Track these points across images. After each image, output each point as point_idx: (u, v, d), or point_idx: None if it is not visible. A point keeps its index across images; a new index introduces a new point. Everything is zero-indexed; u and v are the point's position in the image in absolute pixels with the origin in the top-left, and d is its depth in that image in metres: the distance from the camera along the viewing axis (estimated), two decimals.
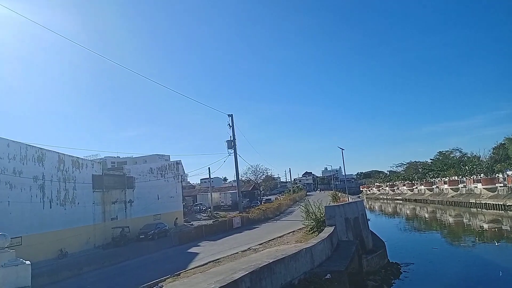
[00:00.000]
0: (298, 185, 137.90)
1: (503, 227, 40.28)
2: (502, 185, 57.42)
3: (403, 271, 22.49)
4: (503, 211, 51.34)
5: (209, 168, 58.92)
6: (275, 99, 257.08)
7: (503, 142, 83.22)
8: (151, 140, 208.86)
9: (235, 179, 48.82)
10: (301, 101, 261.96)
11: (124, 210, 37.94)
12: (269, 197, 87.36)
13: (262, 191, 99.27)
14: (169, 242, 30.33)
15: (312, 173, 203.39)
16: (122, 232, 33.56)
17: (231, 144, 41.45)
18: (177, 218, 43.97)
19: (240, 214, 40.44)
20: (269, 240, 22.98)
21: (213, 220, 42.04)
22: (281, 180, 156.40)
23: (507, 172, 60.74)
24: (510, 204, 51.59)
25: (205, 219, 49.51)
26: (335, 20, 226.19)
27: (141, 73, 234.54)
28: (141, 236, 34.17)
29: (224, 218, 39.70)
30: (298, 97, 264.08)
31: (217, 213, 54.35)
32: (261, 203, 63.04)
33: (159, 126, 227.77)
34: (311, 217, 20.81)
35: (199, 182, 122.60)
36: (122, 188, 37.87)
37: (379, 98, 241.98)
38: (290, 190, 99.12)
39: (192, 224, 44.80)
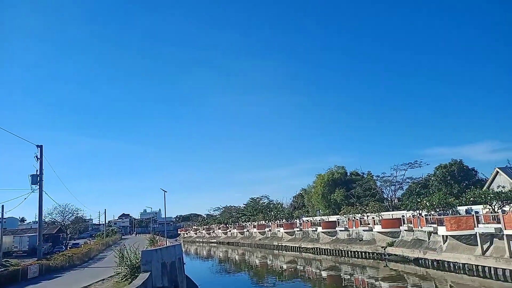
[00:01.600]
0: (113, 228, 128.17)
1: (298, 267, 46.29)
2: (298, 229, 66.56)
3: None
4: (298, 253, 59.18)
5: (2, 206, 49.10)
6: (92, 132, 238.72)
7: (301, 192, 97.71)
8: None
9: (37, 219, 42.12)
10: (120, 136, 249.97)
11: None
12: (77, 241, 78.31)
13: (69, 235, 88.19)
14: None
15: (130, 215, 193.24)
16: None
17: (36, 179, 36.05)
18: None
19: (39, 261, 34.69)
20: None
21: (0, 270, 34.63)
22: (94, 222, 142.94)
23: (303, 218, 71.17)
24: (304, 246, 60.00)
25: None
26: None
27: None
28: None
29: (16, 267, 33.24)
30: (117, 132, 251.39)
31: (7, 261, 45.11)
32: (66, 248, 55.78)
33: None
34: (125, 263, 19.55)
35: None
36: None
37: (204, 144, 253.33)
38: (103, 233, 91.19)
39: None
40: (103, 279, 22.97)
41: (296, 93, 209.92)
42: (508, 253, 27.44)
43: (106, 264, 35.08)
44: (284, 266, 47.89)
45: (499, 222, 28.43)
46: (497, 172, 44.90)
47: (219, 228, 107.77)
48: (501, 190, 33.70)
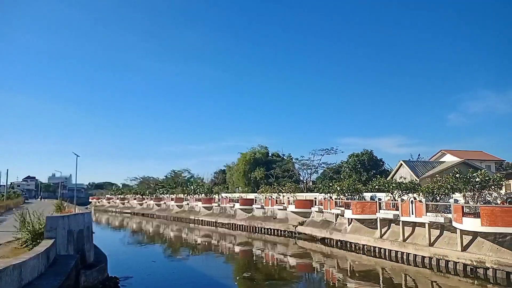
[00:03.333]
0: (16, 190, 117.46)
1: (212, 241, 47.01)
2: (217, 205, 67.32)
3: (122, 285, 22.59)
4: (214, 228, 60.02)
5: None
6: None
7: (223, 169, 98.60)
8: None
9: None
10: (31, 91, 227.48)
11: None
12: None
13: None
14: None
15: (36, 178, 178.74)
16: None
17: None
18: None
19: None
20: None
21: None
22: None
23: (222, 194, 72.00)
24: (220, 221, 60.98)
25: None
26: None
27: None
28: None
29: None
30: (28, 87, 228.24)
31: None
32: None
33: None
34: (27, 228, 18.05)
35: None
36: None
37: (126, 111, 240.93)
38: (3, 195, 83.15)
39: None
40: (0, 244, 21.03)
41: (228, 69, 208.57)
42: (401, 237, 30.72)
43: (4, 228, 32.10)
44: (199, 240, 48.29)
45: (397, 209, 31.59)
46: (401, 164, 49.58)
47: (135, 199, 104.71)
48: (402, 181, 37.33)
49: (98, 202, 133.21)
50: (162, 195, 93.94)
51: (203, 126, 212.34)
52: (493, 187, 27.88)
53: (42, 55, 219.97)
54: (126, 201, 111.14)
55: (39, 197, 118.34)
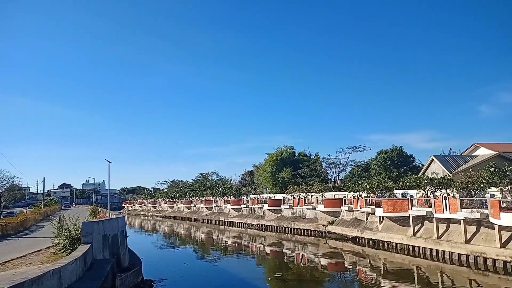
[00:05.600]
0: (52, 197, 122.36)
1: (242, 242, 47.27)
2: (245, 206, 67.65)
3: None
4: (244, 229, 60.35)
5: None
6: (30, 93, 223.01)
7: (251, 170, 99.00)
8: None
9: None
10: (61, 100, 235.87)
11: None
12: (12, 210, 73.86)
13: (3, 203, 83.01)
14: None
15: (71, 185, 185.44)
16: None
17: None
18: None
19: None
20: (5, 262, 19.26)
21: None
22: (31, 191, 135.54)
23: (250, 195, 72.38)
24: (249, 222, 61.24)
25: None
26: None
27: None
28: None
29: None
30: (59, 96, 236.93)
31: None
32: (0, 217, 52.55)
33: None
34: (64, 234, 18.79)
35: None
36: None
37: (153, 116, 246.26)
38: (41, 203, 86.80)
39: None
40: (40, 250, 21.96)
41: (248, 71, 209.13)
42: (436, 235, 29.86)
43: (43, 234, 33.53)
44: (229, 241, 48.66)
45: (430, 206, 30.73)
46: (432, 159, 48.18)
47: (166, 202, 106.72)
48: (434, 177, 36.28)
49: (131, 206, 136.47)
50: (192, 198, 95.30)
51: (225, 127, 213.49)
52: None
53: (66, 61, 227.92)
54: (158, 204, 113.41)
55: (74, 203, 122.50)
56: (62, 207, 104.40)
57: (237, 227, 63.38)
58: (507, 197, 26.57)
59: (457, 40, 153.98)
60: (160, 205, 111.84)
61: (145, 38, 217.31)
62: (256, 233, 54.72)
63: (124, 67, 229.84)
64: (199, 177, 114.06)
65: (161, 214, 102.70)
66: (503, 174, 27.29)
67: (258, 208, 62.83)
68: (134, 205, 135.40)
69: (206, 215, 79.16)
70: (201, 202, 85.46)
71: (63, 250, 18.44)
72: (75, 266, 13.64)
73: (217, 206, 78.34)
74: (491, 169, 28.75)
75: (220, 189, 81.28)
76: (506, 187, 27.51)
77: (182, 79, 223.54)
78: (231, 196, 74.79)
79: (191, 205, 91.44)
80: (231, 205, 70.52)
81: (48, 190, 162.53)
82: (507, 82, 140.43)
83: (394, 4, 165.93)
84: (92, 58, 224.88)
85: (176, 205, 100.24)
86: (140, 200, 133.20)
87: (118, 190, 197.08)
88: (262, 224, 57.80)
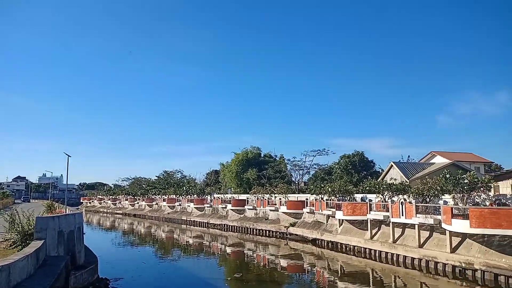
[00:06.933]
0: (5, 190, 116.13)
1: (204, 242, 46.96)
2: (209, 205, 67.24)
3: (112, 287, 22.53)
4: (206, 228, 59.96)
5: None
6: None
7: (216, 169, 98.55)
8: None
9: None
10: (18, 90, 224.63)
11: None
12: None
13: None
14: None
15: (27, 178, 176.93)
16: None
17: None
18: None
19: None
20: None
21: None
22: None
23: (214, 195, 72.04)
24: (212, 222, 60.94)
25: None
26: None
27: None
28: None
29: None
30: (16, 86, 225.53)
31: None
32: None
33: None
34: (16, 229, 17.91)
35: None
36: None
37: (117, 111, 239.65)
38: None
39: None
40: None
41: (217, 71, 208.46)
42: (391, 238, 30.99)
43: None
44: (190, 241, 48.21)
45: (387, 211, 31.85)
46: (392, 166, 49.97)
47: (127, 200, 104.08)
48: (393, 182, 37.63)
49: (89, 202, 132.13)
50: (154, 195, 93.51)
51: (194, 127, 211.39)
52: (482, 189, 28.22)
53: (29, 55, 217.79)
54: (118, 201, 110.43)
55: (28, 198, 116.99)
56: (21, 200, 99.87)
57: (200, 226, 62.88)
58: (459, 204, 27.99)
59: (419, 52, 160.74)
60: (120, 202, 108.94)
61: (122, 33, 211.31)
62: (218, 233, 54.53)
63: (88, 60, 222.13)
64: (163, 174, 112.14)
65: (121, 212, 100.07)
66: (456, 182, 28.69)
67: (222, 208, 62.64)
68: (93, 201, 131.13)
69: (168, 213, 77.96)
70: (164, 200, 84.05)
71: (14, 246, 17.60)
72: (26, 263, 13.07)
73: (180, 205, 77.33)
74: (446, 177, 30.16)
75: (184, 188, 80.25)
76: (459, 195, 28.97)
77: (151, 76, 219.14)
78: (195, 195, 74.10)
79: (153, 203, 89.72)
80: (194, 204, 69.84)
81: (1, 183, 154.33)
82: (464, 94, 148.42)
83: (358, 12, 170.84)
84: (51, 49, 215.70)
85: (137, 203, 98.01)
86: (100, 196, 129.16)
87: (77, 185, 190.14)
88: (224, 224, 57.67)
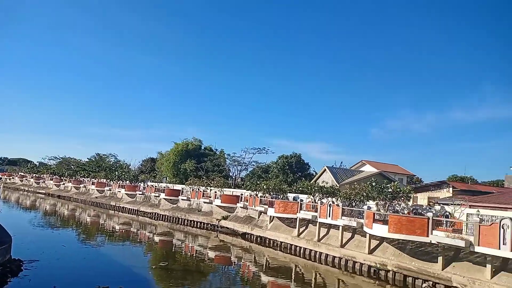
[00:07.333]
0: None
1: (132, 229, 45.53)
2: (141, 193, 65.28)
3: (25, 269, 21.10)
4: (136, 216, 58.18)
5: None
6: None
7: (153, 157, 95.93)
8: None
9: None
10: None
11: None
12: None
13: None
14: None
15: None
16: None
17: None
18: None
19: None
20: None
21: None
22: None
23: (148, 183, 70.04)
24: (142, 210, 59.27)
25: None
26: None
27: None
28: None
29: None
30: None
31: None
32: None
33: None
34: None
35: None
36: None
37: (50, 84, 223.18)
38: None
39: None
40: None
41: (164, 56, 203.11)
42: (317, 237, 32.39)
43: None
44: (117, 227, 46.51)
45: (316, 211, 33.23)
46: (325, 169, 52.17)
47: (52, 179, 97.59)
48: (324, 185, 39.31)
49: (9, 179, 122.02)
50: (83, 178, 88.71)
51: (133, 110, 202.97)
52: (402, 198, 30.46)
53: None
54: (42, 181, 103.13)
55: None
56: None
57: (129, 213, 60.83)
58: (381, 210, 29.97)
59: (359, 71, 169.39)
60: (44, 182, 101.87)
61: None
62: (148, 221, 53.18)
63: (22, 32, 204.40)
64: (95, 157, 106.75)
65: (44, 191, 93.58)
66: (381, 190, 30.65)
67: (155, 196, 61.14)
68: (13, 177, 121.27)
69: (96, 197, 74.38)
70: (93, 183, 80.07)
71: None
72: None
73: (110, 189, 74.18)
74: (372, 185, 32.10)
75: (116, 173, 76.97)
76: (382, 202, 31.01)
77: (93, 52, 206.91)
78: (127, 181, 71.46)
79: (81, 185, 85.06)
80: (125, 190, 67.36)
81: None
82: (396, 111, 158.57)
83: (309, 18, 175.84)
84: None
85: (63, 184, 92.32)
86: (22, 174, 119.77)
87: None
88: (155, 213, 56.39)
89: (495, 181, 63.17)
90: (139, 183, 70.48)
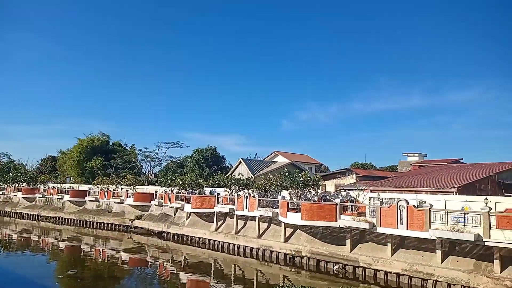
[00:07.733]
0: None
1: (32, 237, 41.22)
2: (41, 195, 59.41)
3: None
4: (36, 221, 52.82)
5: None
6: None
7: (54, 155, 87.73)
8: None
9: None
10: None
11: None
12: None
13: None
14: None
15: None
16: None
17: None
18: None
19: None
20: None
21: None
22: None
23: (49, 184, 63.91)
24: (44, 214, 54.04)
25: None
26: None
27: None
28: None
29: None
30: None
31: None
32: None
33: None
34: None
35: None
36: None
37: None
38: None
39: None
40: None
41: (59, 40, 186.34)
42: (235, 230, 32.72)
43: None
44: (14, 235, 41.76)
45: (233, 204, 33.50)
46: (240, 162, 52.79)
47: None
48: (240, 178, 39.80)
49: None
50: None
51: (30, 100, 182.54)
52: (313, 186, 32.20)
53: None
54: None
55: None
56: None
57: (28, 219, 55.01)
58: (294, 199, 31.31)
59: (270, 62, 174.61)
60: None
61: None
62: (51, 226, 48.65)
63: None
64: None
65: None
66: (293, 180, 31.97)
67: (57, 199, 56.11)
68: None
69: None
70: None
71: None
72: None
73: (3, 194, 66.19)
74: (285, 175, 33.36)
75: (10, 174, 68.83)
76: (295, 191, 32.40)
77: None
78: (24, 184, 64.38)
79: None
80: (22, 194, 60.71)
81: None
82: (303, 103, 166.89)
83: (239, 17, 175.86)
84: None
85: None
86: None
87: None
88: (59, 217, 51.83)
89: (391, 166, 70.31)
90: (39, 185, 63.96)
